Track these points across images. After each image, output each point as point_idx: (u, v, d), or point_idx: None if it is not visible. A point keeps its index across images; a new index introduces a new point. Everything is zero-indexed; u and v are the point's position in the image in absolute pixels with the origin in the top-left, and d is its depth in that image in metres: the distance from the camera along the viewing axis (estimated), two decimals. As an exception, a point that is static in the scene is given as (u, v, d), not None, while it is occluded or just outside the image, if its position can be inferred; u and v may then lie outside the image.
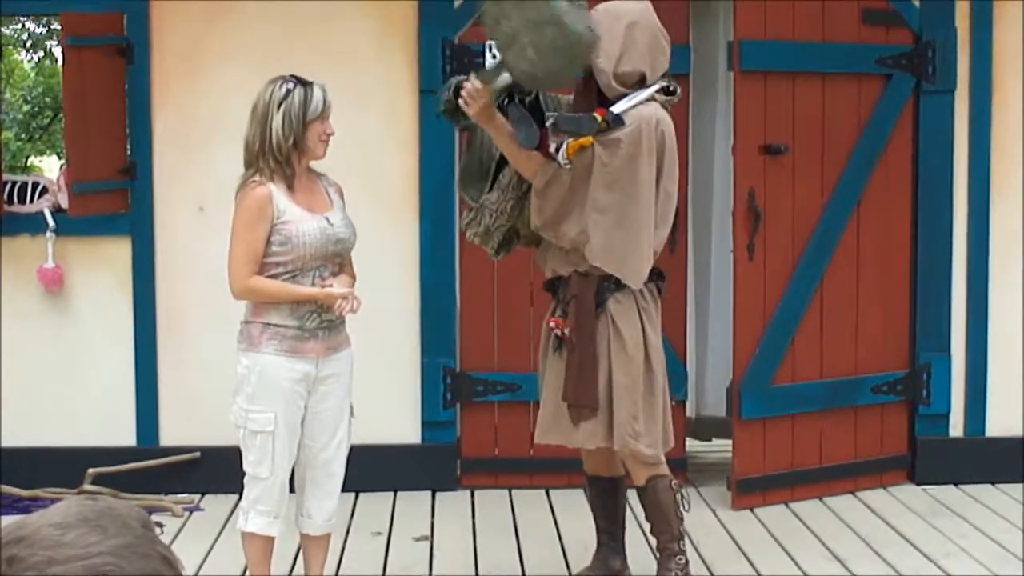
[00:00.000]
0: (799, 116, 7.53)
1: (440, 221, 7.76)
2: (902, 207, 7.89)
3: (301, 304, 5.52)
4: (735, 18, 7.41)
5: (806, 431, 7.70)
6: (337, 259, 5.65)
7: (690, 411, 8.30)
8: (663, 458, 5.85)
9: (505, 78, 5.50)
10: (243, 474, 5.70)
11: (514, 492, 7.75)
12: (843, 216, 7.71)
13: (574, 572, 6.35)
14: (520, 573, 6.46)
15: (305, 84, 5.59)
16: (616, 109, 5.54)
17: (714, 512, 7.47)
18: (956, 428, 8.09)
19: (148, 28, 7.74)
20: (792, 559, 6.68)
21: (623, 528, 6.25)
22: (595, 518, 6.26)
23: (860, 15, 7.64)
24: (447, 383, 7.90)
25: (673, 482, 5.88)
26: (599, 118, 5.50)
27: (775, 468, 7.61)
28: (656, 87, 5.65)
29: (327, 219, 5.61)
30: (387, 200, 7.72)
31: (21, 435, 7.76)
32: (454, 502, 7.74)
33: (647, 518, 6.01)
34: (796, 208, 7.57)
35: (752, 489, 7.54)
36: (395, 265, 7.81)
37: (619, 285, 5.66)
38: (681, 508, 5.92)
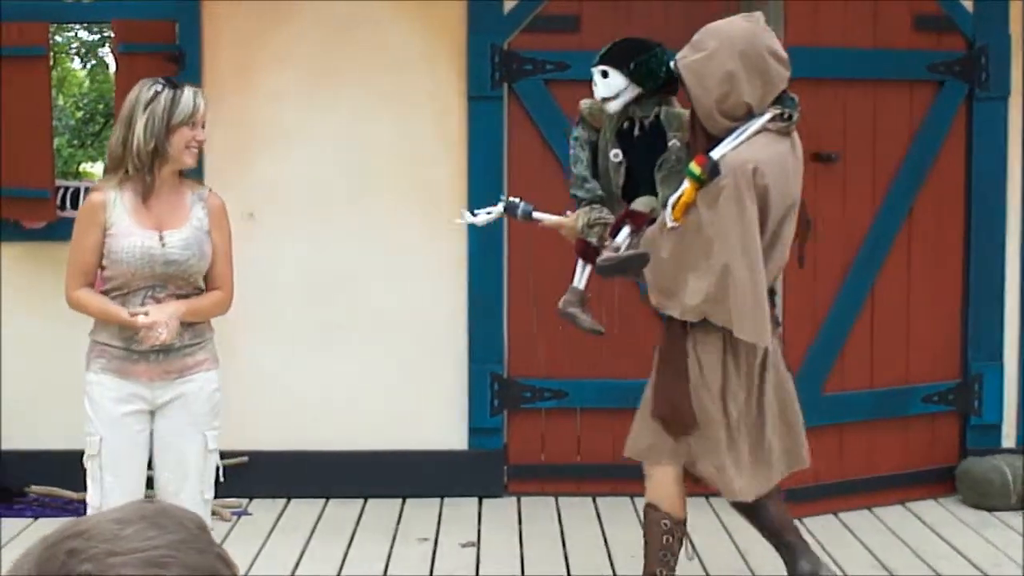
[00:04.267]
0: (850, 124, 7.49)
1: (488, 227, 7.73)
2: (954, 215, 7.84)
3: (104, 303, 5.12)
4: (785, 25, 7.37)
5: (855, 440, 7.65)
6: (180, 280, 5.19)
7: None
8: (744, 497, 5.52)
9: (617, 103, 5.44)
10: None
11: (561, 499, 7.74)
12: (894, 224, 7.66)
13: None
14: (567, 580, 6.45)
15: (175, 86, 5.12)
16: (717, 152, 5.15)
17: (762, 521, 7.43)
18: (1008, 439, 8.03)
19: (200, 36, 7.77)
20: (841, 569, 6.63)
21: (789, 536, 5.94)
22: (768, 537, 5.98)
23: (912, 21, 7.60)
24: (495, 390, 7.89)
25: (664, 521, 5.58)
26: (697, 170, 5.11)
27: (824, 478, 7.56)
28: (766, 117, 5.24)
29: (161, 237, 5.11)
30: (435, 207, 7.72)
31: (72, 438, 7.77)
32: (501, 509, 7.74)
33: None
34: (847, 216, 7.53)
35: (801, 498, 7.48)
36: (443, 271, 7.82)
37: (704, 323, 5.35)
38: (669, 553, 5.61)
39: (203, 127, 5.22)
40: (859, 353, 7.62)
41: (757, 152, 5.17)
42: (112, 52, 10.30)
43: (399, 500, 7.83)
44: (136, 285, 5.11)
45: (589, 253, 5.53)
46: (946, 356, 7.90)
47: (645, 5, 7.71)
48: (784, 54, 5.34)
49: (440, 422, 7.89)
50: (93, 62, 19.88)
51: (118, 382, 5.14)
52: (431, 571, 6.68)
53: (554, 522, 7.45)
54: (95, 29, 18.58)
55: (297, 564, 6.76)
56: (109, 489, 5.11)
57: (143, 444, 5.16)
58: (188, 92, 5.14)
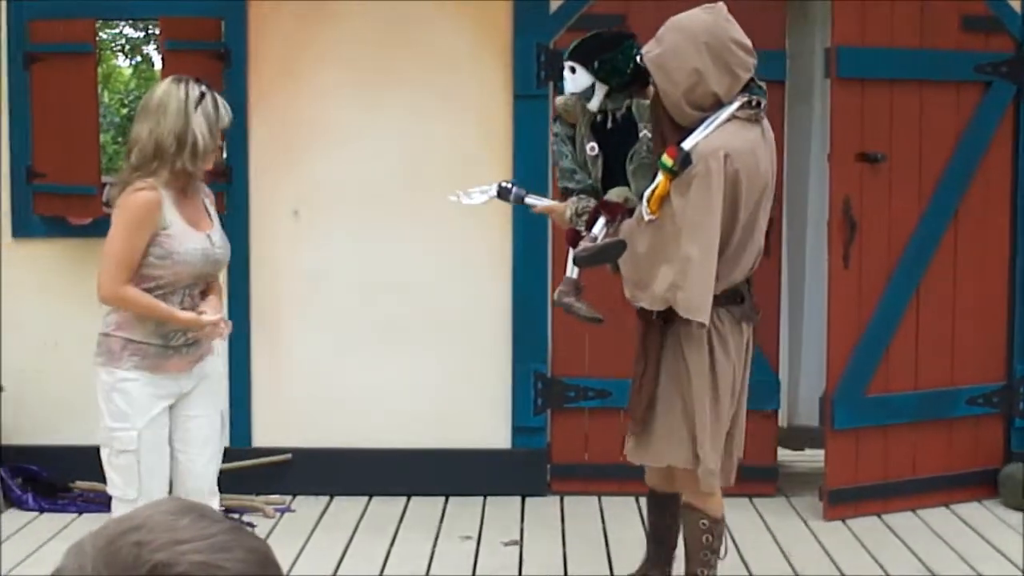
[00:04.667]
0: (896, 124, 7.46)
1: (533, 226, 7.75)
2: (1000, 217, 7.80)
3: (152, 301, 5.12)
4: (832, 25, 7.35)
5: (899, 442, 7.63)
6: (210, 277, 5.35)
7: (782, 420, 8.25)
8: (715, 491, 5.63)
9: (595, 101, 5.54)
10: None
11: (604, 499, 7.73)
12: (940, 225, 7.63)
13: None
14: (610, 580, 6.45)
15: (211, 88, 5.25)
16: (688, 142, 5.22)
17: (806, 523, 7.41)
18: (1054, 442, 7.99)
19: (246, 33, 7.79)
20: (885, 572, 6.62)
21: (671, 546, 6.03)
22: (647, 528, 6.15)
23: (959, 21, 7.56)
24: (538, 389, 7.89)
25: (703, 521, 5.63)
26: (669, 162, 5.19)
27: (868, 479, 7.54)
28: (735, 105, 5.30)
29: (209, 237, 5.26)
30: (479, 206, 7.71)
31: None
32: (544, 508, 7.74)
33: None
34: (892, 217, 7.50)
35: (844, 500, 7.48)
36: (488, 270, 7.82)
37: None
38: (711, 552, 5.67)
39: None
40: (903, 355, 7.59)
41: (728, 139, 5.24)
42: (158, 49, 10.35)
43: (442, 498, 7.84)
44: (181, 284, 5.18)
45: (579, 242, 5.58)
46: (991, 358, 7.87)
47: (691, 4, 7.68)
48: (748, 43, 5.37)
49: (484, 421, 7.90)
50: (138, 59, 19.97)
51: (152, 378, 5.19)
52: (474, 570, 6.69)
53: (597, 521, 7.44)
54: (140, 26, 18.67)
55: (340, 562, 6.78)
56: (148, 482, 5.19)
57: (167, 438, 5.28)
58: (219, 97, 5.26)
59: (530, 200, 5.81)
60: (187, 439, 5.33)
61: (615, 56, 5.48)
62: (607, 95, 5.53)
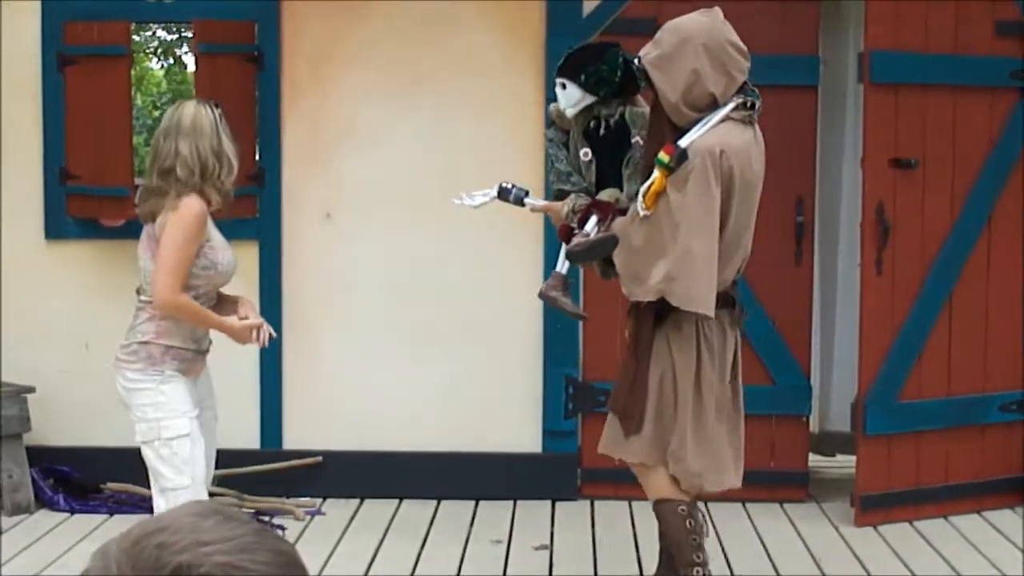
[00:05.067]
0: (930, 130, 7.43)
1: (565, 231, 7.75)
2: (1034, 223, 7.76)
3: (199, 309, 5.39)
4: (866, 30, 7.33)
5: (931, 449, 7.59)
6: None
7: (814, 426, 8.23)
8: (699, 489, 5.68)
9: (572, 110, 5.70)
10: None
11: (634, 503, 7.70)
12: (973, 231, 7.60)
13: None
14: (640, 585, 6.43)
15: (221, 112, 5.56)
16: (684, 141, 5.35)
17: (837, 529, 7.39)
18: (1087, 449, 7.94)
19: (279, 36, 7.81)
20: (916, 578, 6.60)
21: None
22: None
23: (993, 27, 7.53)
24: (569, 393, 7.89)
25: (681, 507, 5.68)
26: (665, 158, 5.31)
27: (899, 485, 7.51)
28: (730, 106, 5.43)
29: (228, 245, 5.59)
30: (511, 209, 7.70)
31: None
32: (574, 512, 7.73)
33: (662, 543, 5.88)
34: (925, 223, 7.47)
35: (876, 506, 7.45)
36: (519, 274, 7.81)
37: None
38: (696, 533, 5.71)
39: None
40: (936, 361, 7.56)
41: (723, 137, 5.39)
42: (192, 52, 10.36)
43: (472, 502, 7.84)
44: (212, 294, 5.49)
45: (572, 239, 5.70)
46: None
47: (724, 6, 7.67)
48: (743, 46, 5.52)
49: (514, 425, 7.90)
50: (171, 62, 20.03)
51: (187, 383, 5.43)
52: (504, 573, 6.69)
53: (627, 526, 7.43)
54: (174, 29, 18.71)
55: (370, 564, 6.78)
56: (199, 467, 5.44)
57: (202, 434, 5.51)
58: None
59: (529, 201, 5.96)
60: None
61: (599, 68, 5.63)
62: (600, 101, 5.67)
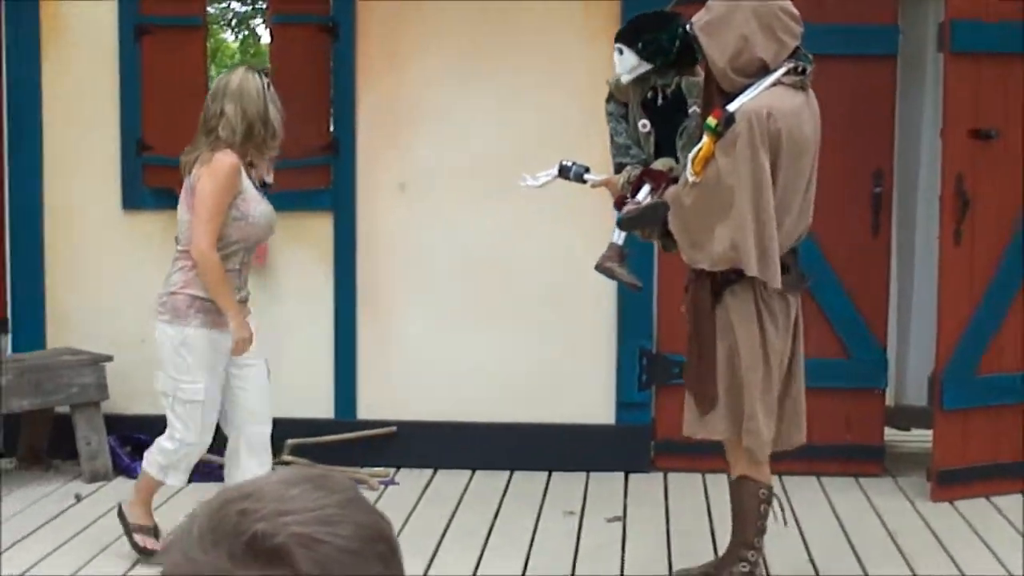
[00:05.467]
0: (1011, 100, 7.33)
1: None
2: (1116, 194, 7.65)
3: (231, 276, 5.84)
4: (947, -2, 7.24)
5: (1010, 423, 7.51)
6: (263, 241, 6.18)
7: (890, 399, 8.16)
8: (766, 460, 5.73)
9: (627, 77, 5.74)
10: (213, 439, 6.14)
11: (708, 476, 7.67)
12: (1054, 203, 7.49)
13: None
14: (714, 556, 6.38)
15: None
16: (733, 106, 5.38)
17: (912, 504, 7.33)
18: None
19: (354, 6, 7.80)
20: (994, 555, 6.52)
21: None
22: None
23: (1079, -6, 7.41)
24: (643, 364, 7.86)
25: (762, 491, 5.73)
26: (713, 123, 5.36)
27: (976, 460, 7.44)
28: (780, 71, 5.44)
29: (268, 202, 6.00)
30: (543, 186, 7.69)
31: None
32: (647, 484, 7.71)
33: (731, 515, 5.92)
34: (1005, 194, 7.37)
35: (952, 481, 7.38)
36: (593, 245, 7.75)
37: (737, 277, 5.54)
38: (765, 520, 5.77)
39: None
40: (1015, 334, 7.47)
41: (771, 100, 5.41)
42: (266, 23, 10.39)
43: (545, 473, 7.84)
44: (248, 245, 5.94)
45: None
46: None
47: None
48: (796, 12, 5.53)
49: (588, 396, 7.88)
50: (245, 33, 20.10)
51: (213, 335, 5.83)
52: (577, 545, 6.68)
53: (701, 498, 7.41)
54: (248, 1, 18.78)
55: (443, 535, 6.79)
56: (210, 427, 5.97)
57: (220, 397, 5.97)
58: None
59: (589, 176, 6.01)
60: (245, 385, 6.01)
61: (659, 36, 5.67)
62: (657, 72, 5.70)
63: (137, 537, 6.26)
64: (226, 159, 5.76)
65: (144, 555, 6.27)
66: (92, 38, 7.89)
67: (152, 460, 6.13)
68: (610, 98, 5.99)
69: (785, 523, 5.92)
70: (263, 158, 5.97)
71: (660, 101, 5.77)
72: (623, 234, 5.82)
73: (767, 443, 5.62)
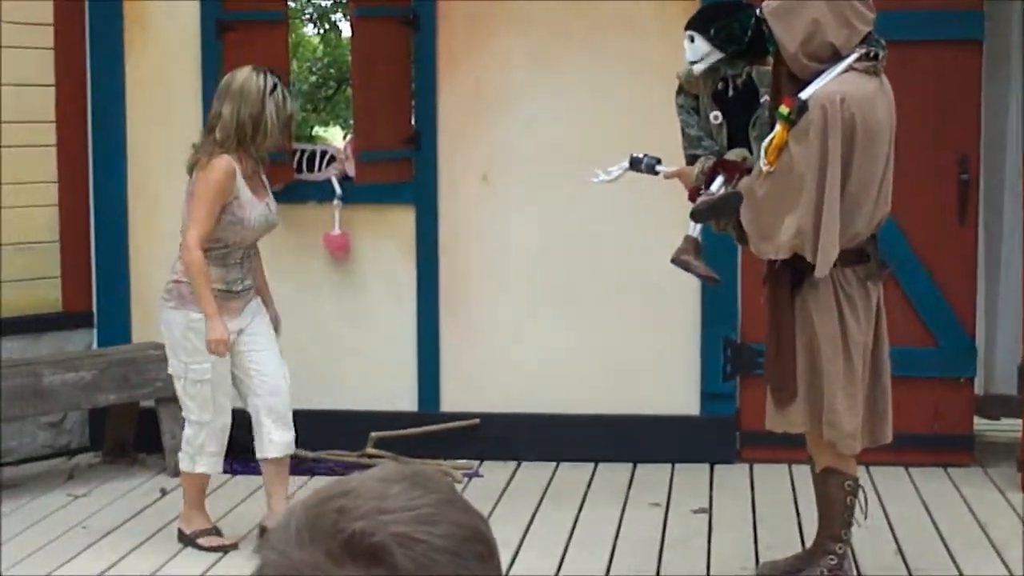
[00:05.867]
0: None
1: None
2: None
3: (231, 270, 6.18)
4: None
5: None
6: (261, 238, 6.37)
7: (978, 388, 8.07)
8: (855, 450, 5.66)
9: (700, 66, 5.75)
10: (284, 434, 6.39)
11: (794, 467, 7.60)
12: None
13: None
14: (801, 548, 6.33)
15: (280, 79, 6.20)
16: (805, 93, 5.35)
17: (1003, 494, 7.24)
18: None
19: (435, -1, 7.80)
20: (1084, 543, 6.44)
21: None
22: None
23: None
24: (727, 355, 7.81)
25: (848, 483, 5.70)
26: (786, 111, 5.32)
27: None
28: (853, 57, 5.39)
29: (268, 205, 6.27)
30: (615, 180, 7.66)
31: (307, 398, 7.91)
32: (733, 475, 7.67)
33: (817, 507, 5.87)
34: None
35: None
36: (676, 235, 7.72)
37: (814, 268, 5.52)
38: (852, 512, 5.73)
39: None
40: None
41: (844, 85, 5.37)
42: (348, 17, 10.42)
43: (630, 465, 7.81)
44: (243, 245, 6.19)
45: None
46: None
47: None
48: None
49: (672, 387, 7.84)
50: (327, 27, 20.16)
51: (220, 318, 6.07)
52: (662, 536, 6.65)
53: (787, 490, 7.35)
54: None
55: (528, 527, 6.78)
56: (221, 406, 6.23)
57: (229, 372, 6.25)
58: (286, 91, 6.24)
59: (661, 168, 6.00)
60: (262, 368, 6.29)
61: (731, 23, 5.66)
62: (727, 62, 5.70)
63: (203, 541, 6.41)
64: (221, 166, 6.02)
65: (221, 551, 6.38)
66: (174, 34, 7.94)
67: (182, 457, 6.36)
68: (680, 91, 6.00)
69: (866, 517, 5.84)
70: (252, 158, 6.19)
71: (731, 92, 5.76)
72: (698, 226, 5.80)
73: (848, 435, 5.56)
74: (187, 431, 6.30)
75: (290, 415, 6.36)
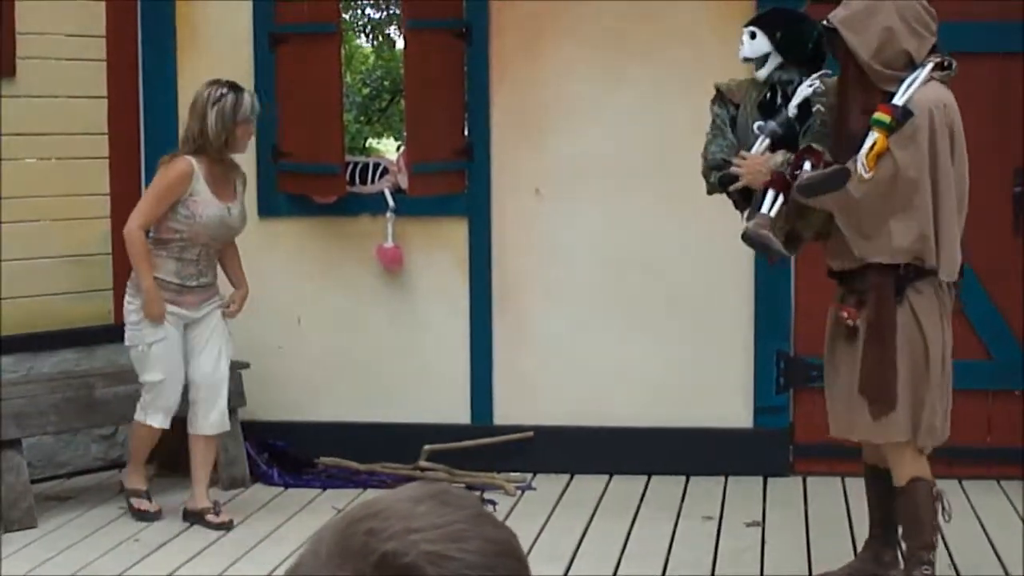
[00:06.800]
0: None
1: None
2: None
3: (186, 265, 6.86)
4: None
5: None
6: (224, 241, 7.01)
7: (1032, 401, 8.00)
8: (928, 451, 5.69)
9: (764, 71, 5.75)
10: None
11: (848, 480, 7.56)
12: None
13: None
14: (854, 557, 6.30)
15: (237, 90, 6.80)
16: (899, 99, 5.36)
17: (1058, 507, 7.20)
18: None
19: (487, 10, 7.81)
20: None
21: (897, 523, 5.99)
22: (870, 508, 6.07)
23: None
24: (780, 367, 7.78)
25: (935, 488, 5.70)
26: (886, 118, 5.32)
27: None
28: (931, 65, 5.44)
29: (228, 208, 6.89)
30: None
31: (360, 410, 7.94)
32: (786, 488, 7.63)
33: (900, 520, 5.84)
34: None
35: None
36: (730, 247, 7.69)
37: (918, 275, 5.53)
38: (940, 517, 5.73)
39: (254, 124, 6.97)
40: None
41: (939, 93, 5.43)
42: (402, 28, 10.44)
43: (683, 477, 7.78)
44: (199, 241, 6.83)
45: (787, 185, 5.61)
46: None
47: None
48: (932, 9, 5.54)
49: (725, 400, 7.82)
50: (379, 39, 20.21)
51: (169, 306, 6.82)
52: (716, 550, 6.63)
53: (841, 503, 7.31)
54: (382, 6, 18.89)
55: (581, 540, 6.77)
56: (170, 367, 6.88)
57: (180, 344, 6.93)
58: (246, 95, 6.82)
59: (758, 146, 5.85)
60: (198, 354, 6.97)
61: (800, 29, 5.71)
62: (780, 68, 5.71)
63: (132, 501, 7.14)
64: (177, 165, 6.78)
65: (140, 518, 7.07)
66: (227, 46, 7.96)
67: (137, 411, 7.00)
68: (718, 99, 5.98)
69: (949, 519, 5.83)
70: (219, 162, 6.86)
71: (780, 99, 5.75)
72: (774, 207, 5.69)
73: (939, 439, 5.65)
74: (144, 394, 6.95)
75: (224, 400, 7.02)
